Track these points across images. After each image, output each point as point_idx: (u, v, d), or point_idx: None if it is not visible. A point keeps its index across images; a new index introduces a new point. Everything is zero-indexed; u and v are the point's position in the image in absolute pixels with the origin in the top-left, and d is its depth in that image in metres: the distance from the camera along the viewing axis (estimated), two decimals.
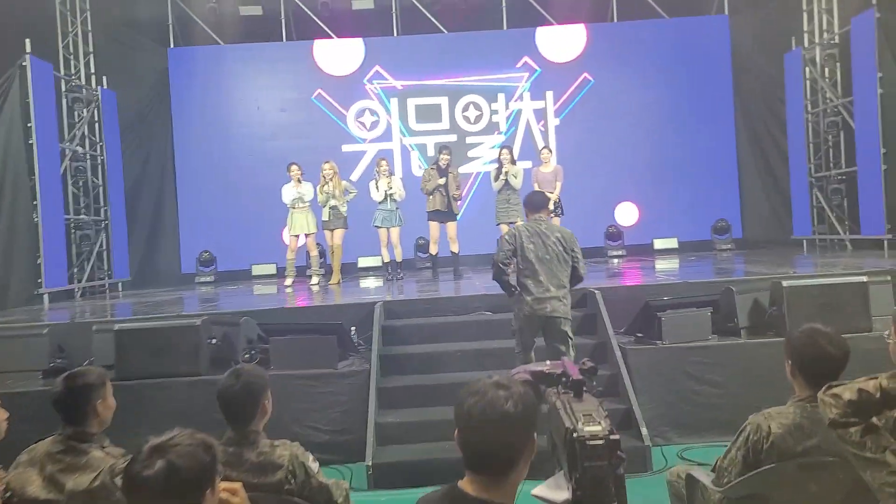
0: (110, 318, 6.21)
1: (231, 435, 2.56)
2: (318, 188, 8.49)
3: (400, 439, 4.80)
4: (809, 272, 6.44)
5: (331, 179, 8.37)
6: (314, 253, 8.68)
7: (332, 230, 8.50)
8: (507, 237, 4.66)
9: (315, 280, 8.62)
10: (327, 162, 8.54)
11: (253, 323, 5.51)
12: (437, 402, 5.00)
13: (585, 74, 11.79)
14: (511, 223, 8.35)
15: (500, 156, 8.46)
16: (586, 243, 11.31)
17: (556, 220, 8.58)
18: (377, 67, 11.84)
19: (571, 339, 4.51)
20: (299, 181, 8.53)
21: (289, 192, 8.54)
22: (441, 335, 5.67)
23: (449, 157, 8.35)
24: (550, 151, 8.79)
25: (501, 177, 8.20)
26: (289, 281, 8.64)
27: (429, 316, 5.92)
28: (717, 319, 5.12)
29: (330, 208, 8.39)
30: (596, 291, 5.58)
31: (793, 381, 2.44)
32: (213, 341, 5.39)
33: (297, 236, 8.61)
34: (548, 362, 2.02)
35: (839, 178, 9.88)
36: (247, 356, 5.39)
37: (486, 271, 9.66)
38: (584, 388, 1.82)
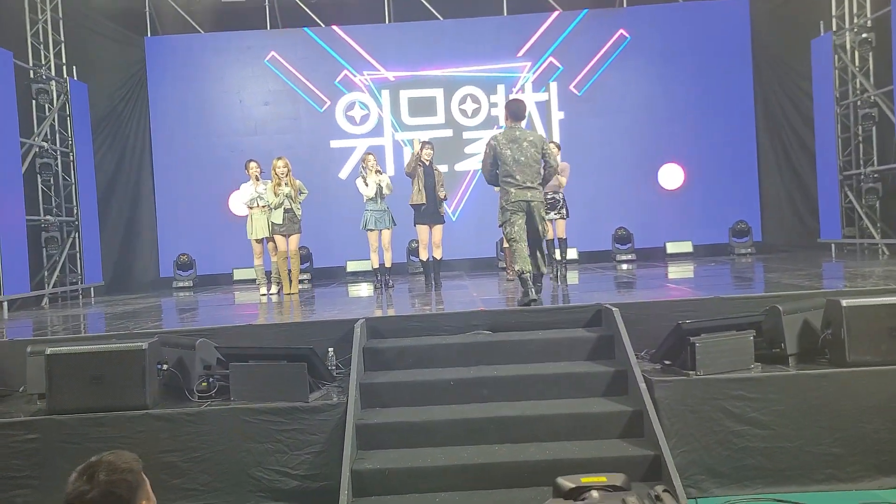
0: (44, 338, 5.39)
1: None
2: (268, 187, 7.69)
3: (382, 489, 3.99)
4: (860, 285, 5.61)
5: (285, 178, 7.56)
6: (275, 258, 7.87)
7: (286, 235, 7.72)
8: (487, 150, 5.65)
9: (275, 290, 7.90)
10: (280, 158, 7.73)
11: (210, 345, 4.70)
12: (428, 442, 4.21)
13: (622, 31, 10.99)
14: None
15: None
16: (593, 247, 10.75)
17: (561, 222, 7.80)
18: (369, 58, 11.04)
19: (545, 218, 5.79)
20: (257, 179, 7.73)
21: (247, 192, 7.76)
22: (433, 359, 4.85)
23: (433, 151, 7.63)
24: (558, 147, 7.96)
25: None
26: (263, 290, 7.84)
27: (419, 335, 5.10)
28: (759, 344, 4.30)
29: (285, 211, 7.61)
30: (613, 309, 4.76)
31: None
32: (164, 367, 4.59)
33: (262, 240, 7.82)
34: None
35: (874, 176, 9.03)
36: (204, 384, 4.60)
37: (484, 276, 8.93)
38: None
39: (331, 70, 11.10)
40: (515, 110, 5.68)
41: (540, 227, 5.62)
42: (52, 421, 4.28)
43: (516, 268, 5.56)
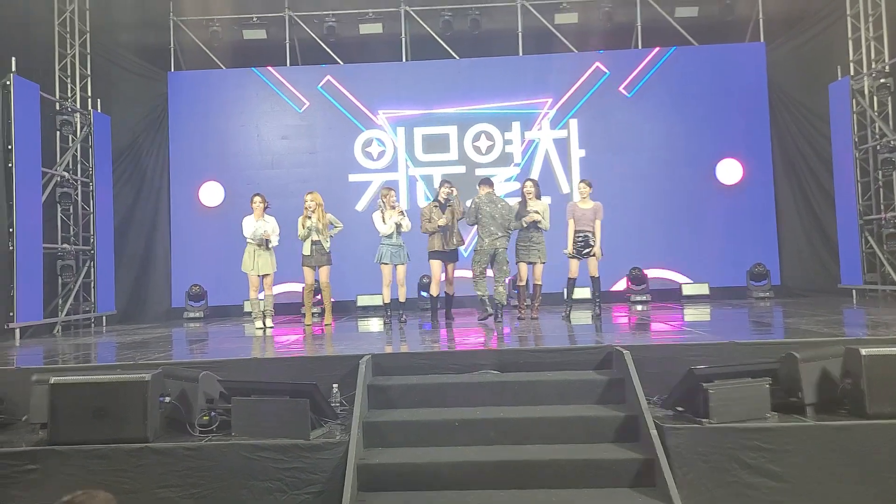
0: (50, 367, 5.37)
1: None
2: (299, 220, 7.76)
3: None
4: (881, 334, 5.43)
5: (313, 212, 7.64)
6: (269, 292, 7.85)
7: (313, 267, 7.74)
8: (472, 207, 7.56)
9: (270, 323, 7.85)
10: (310, 193, 7.85)
11: (213, 378, 4.65)
12: (431, 485, 4.10)
13: (658, 49, 11.09)
14: (531, 263, 7.51)
15: (523, 189, 7.67)
16: (608, 286, 10.58)
17: (594, 260, 7.56)
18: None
19: (507, 263, 7.54)
20: (262, 215, 7.75)
21: (250, 226, 7.73)
22: (439, 398, 4.76)
23: (450, 190, 7.72)
24: (589, 186, 7.74)
25: (526, 219, 7.42)
26: (258, 324, 7.79)
27: (425, 373, 5.01)
28: (775, 392, 4.16)
29: (312, 243, 7.67)
30: (624, 351, 4.65)
31: None
32: (167, 400, 4.55)
33: (260, 276, 7.72)
34: None
35: (894, 221, 8.86)
36: (206, 418, 4.53)
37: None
38: None
39: (348, 106, 11.26)
40: (487, 182, 7.83)
41: (505, 267, 7.48)
42: (53, 451, 4.24)
43: (478, 294, 7.54)
